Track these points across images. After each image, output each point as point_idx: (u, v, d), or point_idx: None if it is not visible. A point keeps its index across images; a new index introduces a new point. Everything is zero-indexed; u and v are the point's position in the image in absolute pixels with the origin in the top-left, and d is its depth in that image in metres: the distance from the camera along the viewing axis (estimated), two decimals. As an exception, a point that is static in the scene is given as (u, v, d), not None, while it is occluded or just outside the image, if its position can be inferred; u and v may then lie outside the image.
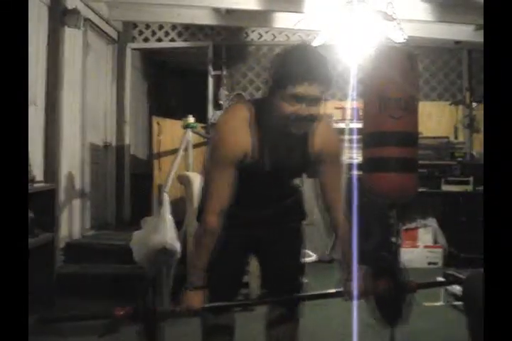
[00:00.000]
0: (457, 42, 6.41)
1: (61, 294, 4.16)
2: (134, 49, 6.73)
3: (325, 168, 2.22)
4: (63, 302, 4.06)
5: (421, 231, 6.02)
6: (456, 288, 4.01)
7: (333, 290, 2.29)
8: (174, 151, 5.19)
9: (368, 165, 3.78)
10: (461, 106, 6.60)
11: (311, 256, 4.82)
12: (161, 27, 6.62)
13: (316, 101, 2.01)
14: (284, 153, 2.16)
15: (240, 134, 2.09)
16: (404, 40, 4.75)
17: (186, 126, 5.11)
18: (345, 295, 2.24)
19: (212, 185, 2.14)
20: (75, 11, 4.78)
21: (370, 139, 3.73)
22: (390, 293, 2.26)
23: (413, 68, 3.73)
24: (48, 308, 3.87)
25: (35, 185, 4.05)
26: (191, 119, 5.19)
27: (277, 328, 2.42)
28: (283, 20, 6.14)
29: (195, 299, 2.14)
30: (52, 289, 4.18)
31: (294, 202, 2.41)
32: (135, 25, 6.63)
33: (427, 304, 4.17)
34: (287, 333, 2.43)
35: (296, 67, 1.97)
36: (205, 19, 5.97)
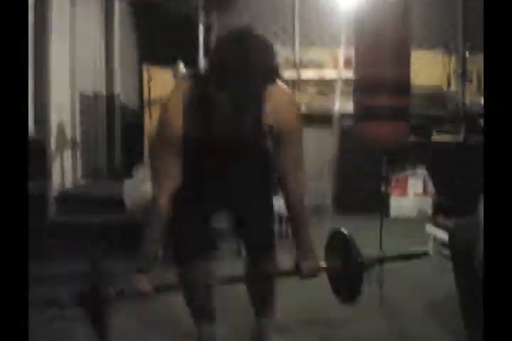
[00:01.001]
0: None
1: (52, 244, 4.19)
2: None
3: (280, 146, 2.18)
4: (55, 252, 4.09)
5: (411, 180, 6.06)
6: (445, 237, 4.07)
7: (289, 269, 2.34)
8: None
9: (358, 114, 3.77)
10: (454, 56, 6.54)
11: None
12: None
13: None
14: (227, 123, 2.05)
15: (175, 112, 2.09)
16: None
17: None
18: (300, 274, 2.27)
19: (161, 166, 2.16)
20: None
21: (361, 87, 3.71)
22: (344, 270, 2.28)
23: (405, 17, 3.68)
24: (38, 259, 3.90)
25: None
26: (182, 66, 5.13)
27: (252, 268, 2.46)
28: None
29: (143, 282, 2.12)
30: (44, 239, 4.20)
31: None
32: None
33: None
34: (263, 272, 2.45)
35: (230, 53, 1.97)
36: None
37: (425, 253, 2.66)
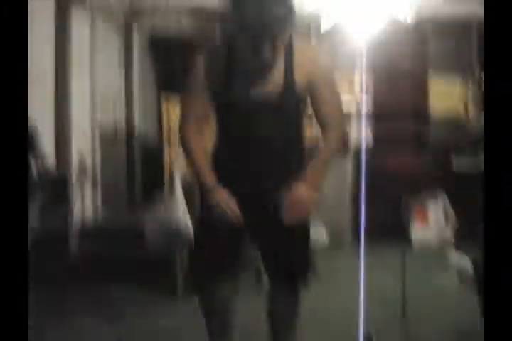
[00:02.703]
0: (467, 18, 6.32)
1: (75, 279, 4.19)
2: (141, 26, 6.67)
3: (318, 92, 2.19)
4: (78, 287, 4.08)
5: (432, 208, 6.00)
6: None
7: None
8: None
9: (378, 143, 3.77)
10: (471, 82, 6.53)
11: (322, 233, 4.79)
12: (168, 6, 6.55)
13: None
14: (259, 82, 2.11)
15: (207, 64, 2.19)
16: (414, 18, 4.70)
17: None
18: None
19: (186, 104, 2.29)
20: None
21: (380, 117, 3.72)
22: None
23: (423, 46, 3.71)
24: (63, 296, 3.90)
25: (47, 168, 4.06)
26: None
27: (277, 303, 2.41)
28: None
29: (224, 195, 2.16)
30: (67, 274, 4.21)
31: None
32: (143, 5, 6.56)
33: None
34: (288, 308, 2.42)
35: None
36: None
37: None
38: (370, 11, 4.61)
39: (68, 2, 4.72)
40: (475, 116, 6.45)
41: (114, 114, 6.23)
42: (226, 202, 2.16)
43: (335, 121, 2.23)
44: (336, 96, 2.26)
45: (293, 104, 2.20)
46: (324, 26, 5.32)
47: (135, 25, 6.58)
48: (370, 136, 3.87)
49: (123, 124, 6.39)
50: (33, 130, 3.90)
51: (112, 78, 6.21)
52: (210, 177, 2.20)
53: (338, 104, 2.28)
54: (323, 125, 2.24)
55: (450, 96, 6.49)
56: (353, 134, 6.00)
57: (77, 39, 5.01)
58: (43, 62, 4.48)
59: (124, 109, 6.45)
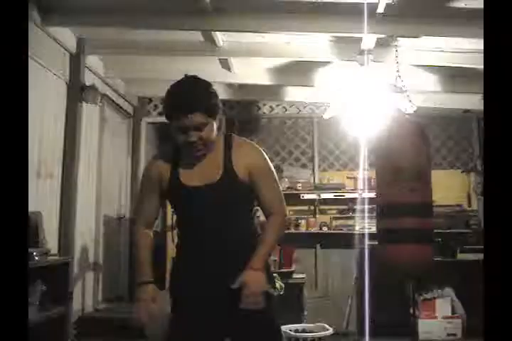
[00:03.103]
0: (466, 111, 6.51)
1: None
2: (149, 123, 6.88)
3: (258, 183, 2.29)
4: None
5: (438, 302, 5.89)
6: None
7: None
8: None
9: (382, 236, 3.77)
10: (473, 174, 6.62)
11: (327, 330, 4.72)
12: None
13: (202, 126, 2.17)
14: (201, 174, 2.27)
15: (155, 166, 2.36)
16: (414, 111, 4.85)
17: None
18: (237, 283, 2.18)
19: (140, 205, 2.42)
20: (92, 87, 4.94)
21: (383, 210, 3.74)
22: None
23: (424, 139, 3.79)
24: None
25: (50, 258, 4.05)
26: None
27: None
28: (294, 93, 6.32)
29: (149, 292, 2.29)
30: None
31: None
32: (150, 100, 6.81)
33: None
34: None
35: (173, 101, 2.19)
36: (219, 94, 6.13)
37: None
38: (371, 103, 4.78)
39: (79, 99, 4.88)
40: (478, 207, 6.48)
41: (119, 205, 6.29)
42: (145, 299, 2.28)
43: (279, 208, 2.33)
44: (277, 184, 2.36)
45: (235, 191, 2.29)
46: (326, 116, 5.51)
47: (144, 120, 6.78)
48: (376, 230, 3.85)
49: (127, 215, 6.43)
50: (37, 216, 3.93)
51: (118, 169, 6.32)
52: (144, 275, 2.32)
53: (279, 191, 2.37)
54: (268, 211, 2.33)
55: (452, 188, 6.56)
56: (357, 229, 6.07)
57: (86, 134, 5.16)
58: (52, 152, 4.59)
59: (129, 201, 6.51)
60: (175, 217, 2.39)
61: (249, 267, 2.20)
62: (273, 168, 2.37)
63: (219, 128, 2.28)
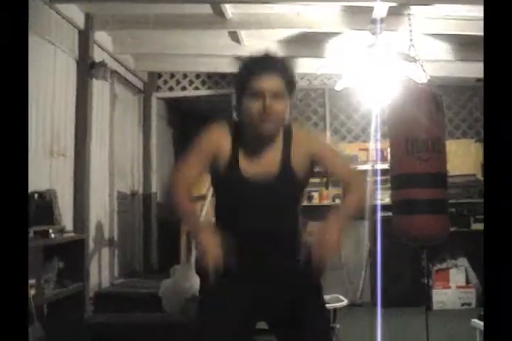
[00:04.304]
0: (478, 80, 6.41)
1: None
2: (159, 98, 6.85)
3: (325, 160, 2.15)
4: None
5: (452, 272, 5.91)
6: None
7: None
8: (201, 197, 5.20)
9: (397, 208, 3.75)
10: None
11: (342, 301, 4.74)
12: (185, 76, 6.73)
13: (278, 95, 2.02)
14: (261, 160, 2.08)
15: (216, 135, 2.15)
16: (427, 80, 4.78)
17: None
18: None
19: (182, 164, 2.17)
20: (102, 64, 4.90)
21: (398, 181, 3.72)
22: None
23: (438, 108, 3.75)
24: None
25: (65, 235, 4.08)
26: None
27: None
28: (305, 65, 6.23)
29: (209, 234, 1.95)
30: (83, 339, 4.15)
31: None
32: (160, 75, 6.76)
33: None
34: None
35: (254, 61, 2.07)
36: (228, 67, 6.07)
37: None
38: (384, 73, 4.72)
39: (89, 75, 4.85)
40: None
41: (132, 182, 6.30)
42: (210, 241, 1.94)
43: (356, 180, 2.16)
44: (345, 160, 2.29)
45: (290, 187, 2.13)
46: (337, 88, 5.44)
47: (154, 95, 6.74)
48: (391, 201, 3.83)
49: (140, 190, 6.45)
50: (51, 193, 3.95)
51: (131, 144, 6.32)
52: (200, 222, 2.13)
53: (350, 165, 2.30)
54: (345, 186, 2.14)
55: (466, 158, 6.51)
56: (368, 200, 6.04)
57: (97, 110, 5.14)
58: (64, 130, 4.59)
59: (142, 177, 6.52)
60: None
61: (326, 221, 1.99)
62: (335, 148, 2.28)
63: (289, 114, 2.13)
